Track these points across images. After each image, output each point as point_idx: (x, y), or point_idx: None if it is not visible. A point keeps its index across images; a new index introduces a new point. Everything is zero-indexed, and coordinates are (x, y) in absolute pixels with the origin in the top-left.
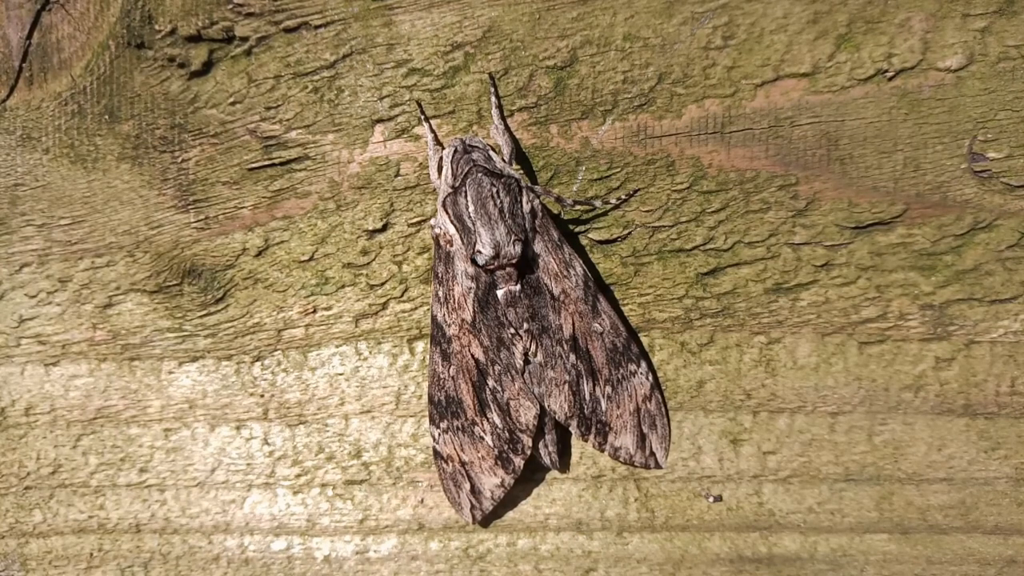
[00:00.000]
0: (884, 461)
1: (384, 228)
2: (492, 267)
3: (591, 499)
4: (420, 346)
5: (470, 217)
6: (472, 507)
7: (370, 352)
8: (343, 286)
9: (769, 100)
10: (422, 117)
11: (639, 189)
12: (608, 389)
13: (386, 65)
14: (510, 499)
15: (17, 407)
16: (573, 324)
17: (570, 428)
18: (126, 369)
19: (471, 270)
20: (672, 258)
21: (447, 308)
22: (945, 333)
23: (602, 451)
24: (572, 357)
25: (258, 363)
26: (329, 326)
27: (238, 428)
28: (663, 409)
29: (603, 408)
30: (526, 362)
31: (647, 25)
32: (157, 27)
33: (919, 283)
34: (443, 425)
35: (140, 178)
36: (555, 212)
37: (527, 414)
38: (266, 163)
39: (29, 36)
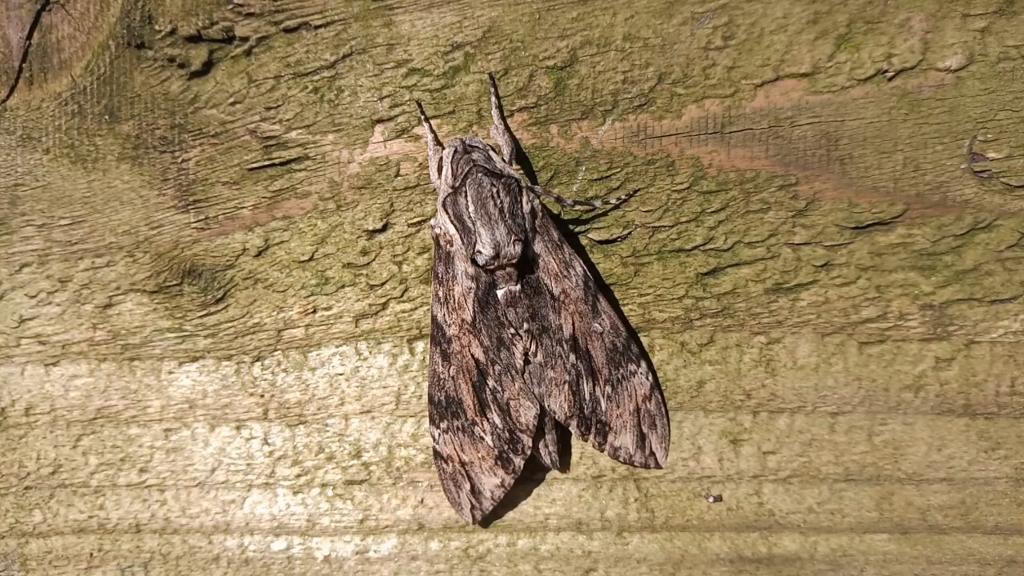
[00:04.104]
0: (884, 461)
1: (384, 228)
2: (492, 267)
3: (591, 499)
4: (420, 346)
5: (470, 217)
6: (472, 507)
7: (370, 352)
8: (343, 286)
9: (769, 100)
10: (422, 117)
11: (639, 189)
12: (608, 389)
13: (386, 65)
14: (510, 499)
15: (17, 407)
16: (573, 324)
17: (570, 428)
18: (126, 369)
19: (471, 270)
20: (672, 258)
21: (447, 308)
22: (945, 333)
23: (602, 451)
24: (572, 357)
25: (258, 363)
26: (329, 326)
27: (238, 428)
28: (663, 409)
29: (603, 408)
30: (526, 362)
31: (647, 25)
32: (157, 27)
33: (919, 283)
34: (443, 425)
35: (140, 178)
36: (555, 212)
37: (527, 414)
38: (266, 163)
39: (29, 36)
